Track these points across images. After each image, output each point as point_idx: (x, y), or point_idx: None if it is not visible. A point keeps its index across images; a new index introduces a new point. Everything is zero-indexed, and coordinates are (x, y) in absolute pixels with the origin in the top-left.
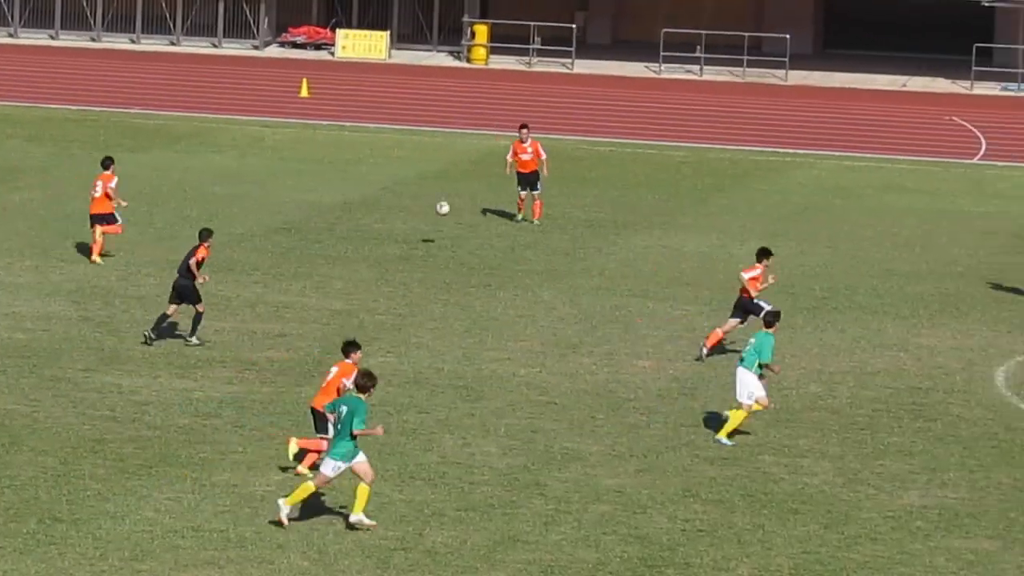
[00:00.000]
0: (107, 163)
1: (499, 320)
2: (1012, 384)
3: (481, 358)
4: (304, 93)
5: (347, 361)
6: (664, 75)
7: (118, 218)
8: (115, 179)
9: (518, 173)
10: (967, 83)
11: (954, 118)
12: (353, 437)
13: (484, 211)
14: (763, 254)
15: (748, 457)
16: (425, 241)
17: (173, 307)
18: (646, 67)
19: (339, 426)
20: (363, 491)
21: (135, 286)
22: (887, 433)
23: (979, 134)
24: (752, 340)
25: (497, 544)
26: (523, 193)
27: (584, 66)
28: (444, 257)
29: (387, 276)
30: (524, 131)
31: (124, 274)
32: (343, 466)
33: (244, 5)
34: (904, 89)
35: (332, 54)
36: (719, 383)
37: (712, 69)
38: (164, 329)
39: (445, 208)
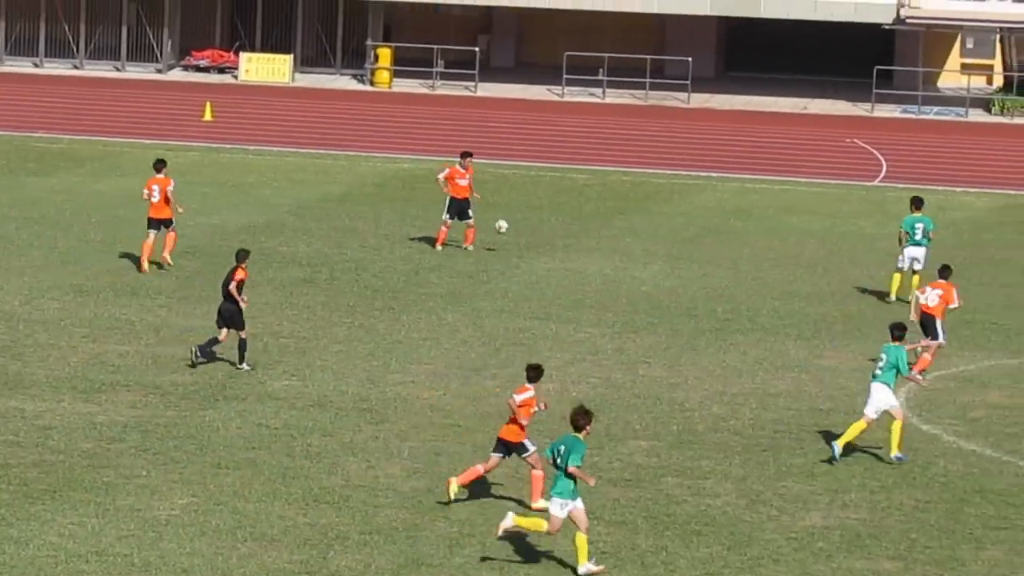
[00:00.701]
0: (159, 166)
1: (403, 343)
2: (913, 405)
3: (385, 381)
4: (208, 116)
5: (528, 386)
6: (567, 98)
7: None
8: (172, 183)
9: (452, 199)
10: (868, 105)
11: (855, 140)
12: (570, 475)
13: (387, 235)
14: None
15: (651, 479)
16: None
17: (224, 332)
18: (549, 90)
19: (558, 465)
20: (582, 540)
21: (39, 310)
22: (789, 454)
23: (880, 156)
24: (884, 356)
25: (401, 567)
26: (450, 220)
27: (488, 89)
28: (348, 280)
29: (291, 299)
30: (468, 159)
31: (27, 298)
32: (570, 504)
33: (147, 28)
34: (805, 112)
35: (235, 77)
36: (622, 404)
37: (615, 92)
38: (211, 353)
39: (504, 226)
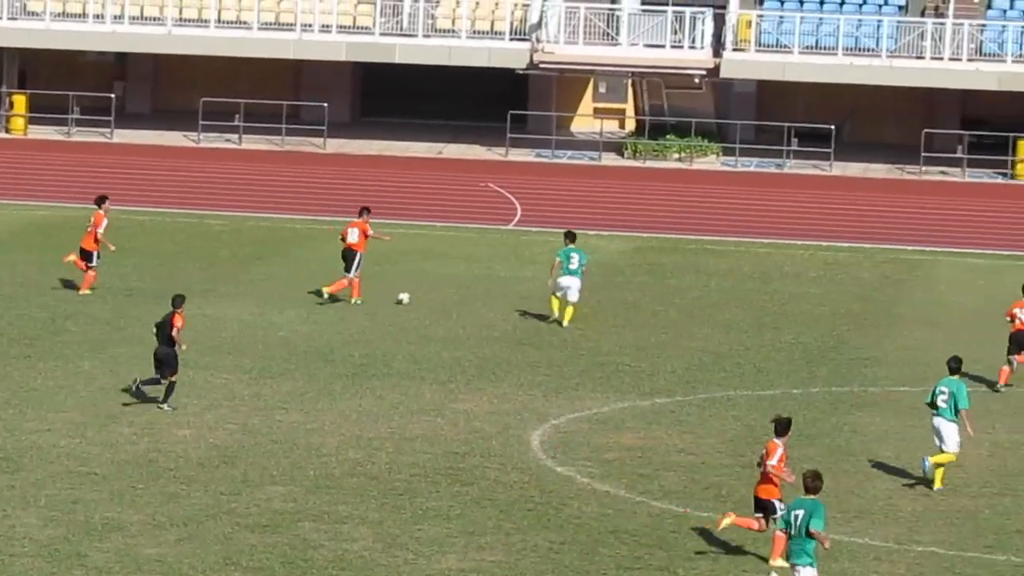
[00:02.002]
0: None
1: (39, 391)
2: (547, 448)
3: (21, 429)
4: None
5: (776, 440)
6: (203, 144)
7: None
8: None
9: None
10: (502, 150)
11: (490, 184)
12: (811, 537)
13: (23, 283)
14: None
15: (288, 524)
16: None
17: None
18: (185, 136)
19: (795, 530)
20: None
21: None
22: (425, 498)
23: (514, 200)
24: (944, 389)
25: None
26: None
27: (123, 135)
28: None
29: None
30: (367, 214)
31: None
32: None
33: None
34: (441, 156)
35: None
36: (260, 450)
37: (251, 138)
38: (145, 392)
39: (405, 298)
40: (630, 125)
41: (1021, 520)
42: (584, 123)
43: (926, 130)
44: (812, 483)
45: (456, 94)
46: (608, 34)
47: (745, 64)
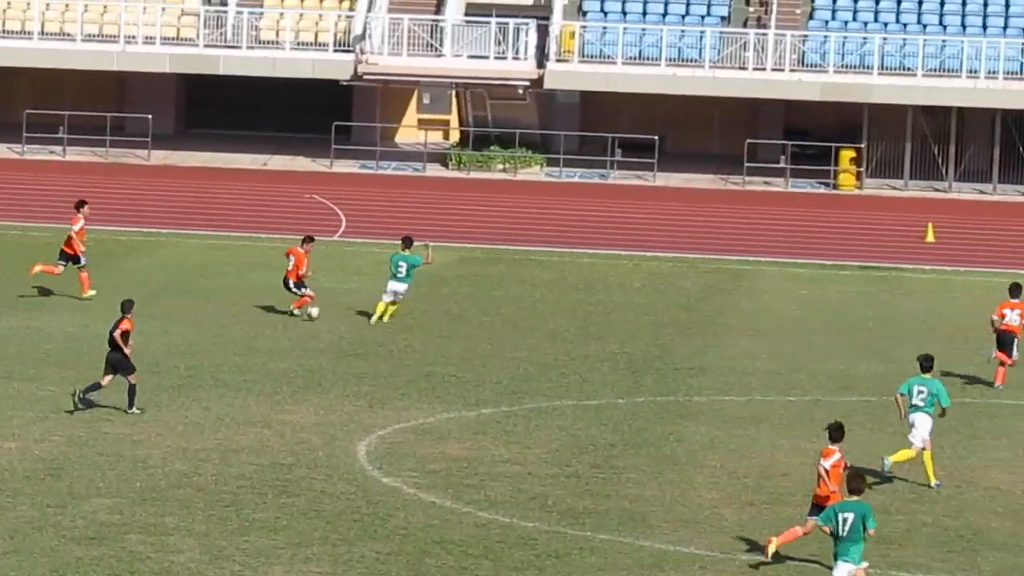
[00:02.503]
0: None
1: None
2: (373, 458)
3: None
4: None
5: (832, 446)
6: (28, 156)
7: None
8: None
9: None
10: (327, 161)
11: (315, 196)
12: (862, 539)
13: None
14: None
15: (115, 536)
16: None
17: (108, 378)
18: (10, 148)
19: (844, 531)
20: None
21: None
22: (252, 509)
23: (339, 211)
24: (922, 388)
25: None
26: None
27: None
28: None
29: None
30: (310, 244)
31: None
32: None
33: None
34: (266, 168)
35: None
36: (86, 462)
37: (75, 150)
38: (91, 400)
39: (315, 312)
40: (454, 136)
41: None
42: (409, 134)
43: (749, 140)
44: (856, 485)
45: (281, 106)
46: (432, 45)
47: (568, 75)
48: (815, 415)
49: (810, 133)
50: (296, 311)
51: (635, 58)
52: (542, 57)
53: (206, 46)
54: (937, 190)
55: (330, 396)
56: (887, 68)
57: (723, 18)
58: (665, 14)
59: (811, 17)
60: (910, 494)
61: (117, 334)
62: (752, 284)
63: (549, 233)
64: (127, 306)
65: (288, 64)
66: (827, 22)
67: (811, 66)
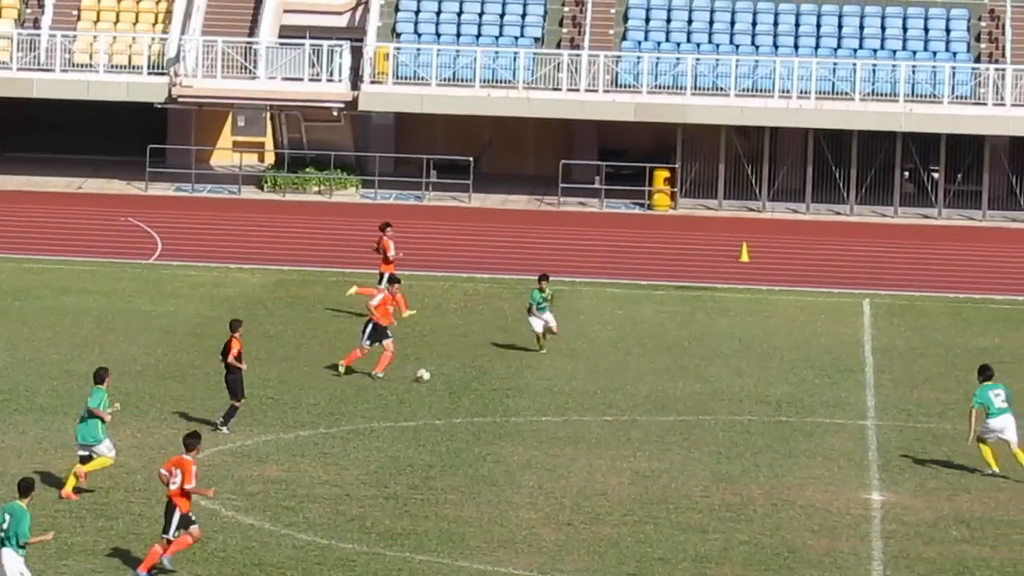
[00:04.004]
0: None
1: None
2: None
3: None
4: None
5: None
6: None
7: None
8: None
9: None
10: (142, 184)
11: (130, 219)
12: None
13: None
14: None
15: None
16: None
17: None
18: None
19: None
20: None
21: None
22: (70, 533)
23: (155, 234)
24: (998, 392)
25: None
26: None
27: None
28: None
29: None
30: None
31: None
32: None
33: None
34: (80, 191)
35: None
36: None
37: None
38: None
39: (426, 375)
40: (269, 158)
41: (663, 547)
42: (223, 157)
43: (564, 161)
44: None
45: (96, 129)
46: (246, 67)
47: (383, 96)
48: (632, 435)
49: (625, 153)
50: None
51: (449, 79)
52: (356, 79)
53: (19, 69)
54: (751, 209)
55: (147, 419)
56: (700, 88)
57: (536, 39)
58: (479, 35)
59: (624, 38)
60: (726, 512)
61: (230, 359)
62: (568, 304)
63: (364, 255)
64: (235, 325)
65: (102, 87)
66: (640, 43)
67: (625, 87)
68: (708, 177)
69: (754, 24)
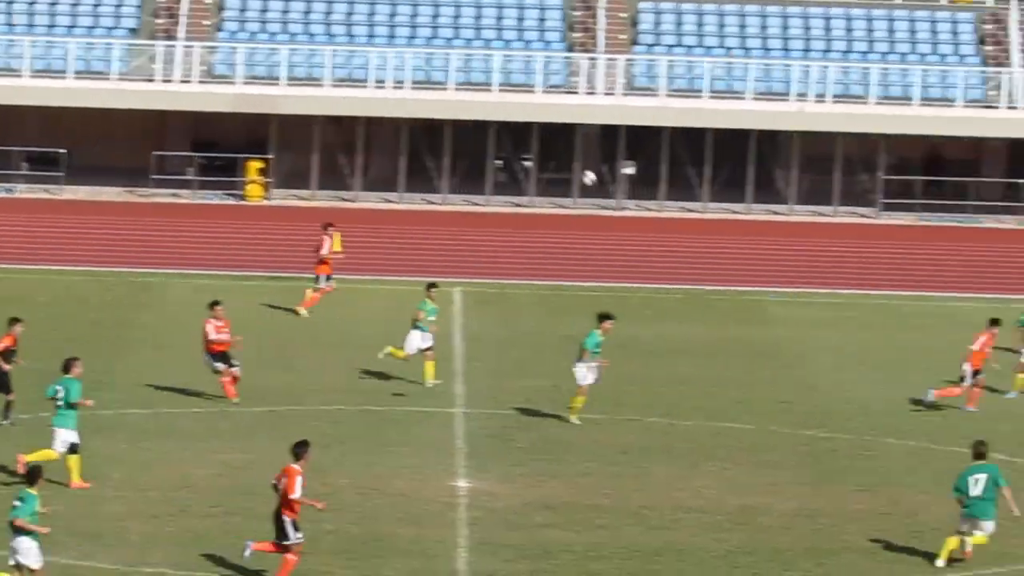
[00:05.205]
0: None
1: None
2: None
3: None
4: None
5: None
6: None
7: None
8: None
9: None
10: None
11: None
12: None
13: None
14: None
15: None
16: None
17: None
18: None
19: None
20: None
21: None
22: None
23: None
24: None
25: None
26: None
27: None
28: None
29: None
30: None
31: None
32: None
33: None
34: None
35: None
36: None
37: None
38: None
39: (590, 177)
40: None
41: (250, 538)
42: None
43: (156, 152)
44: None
45: None
46: None
47: None
48: (221, 426)
49: (217, 144)
50: None
51: (42, 71)
52: None
53: None
54: (344, 199)
55: None
56: (295, 79)
57: (132, 30)
58: (72, 27)
59: (220, 29)
60: None
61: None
62: (159, 296)
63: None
64: (12, 323)
65: None
66: (234, 33)
67: (220, 77)
68: (302, 167)
69: (350, 15)
